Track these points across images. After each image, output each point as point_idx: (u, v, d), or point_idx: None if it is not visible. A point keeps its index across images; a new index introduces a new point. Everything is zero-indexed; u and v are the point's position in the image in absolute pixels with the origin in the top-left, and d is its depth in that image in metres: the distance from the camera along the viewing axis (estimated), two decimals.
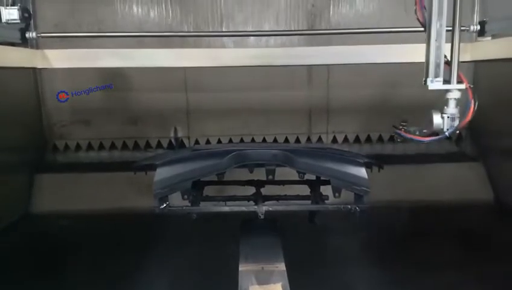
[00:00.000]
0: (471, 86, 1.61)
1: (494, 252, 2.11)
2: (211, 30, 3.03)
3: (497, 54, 2.29)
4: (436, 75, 1.57)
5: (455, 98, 1.59)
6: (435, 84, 1.58)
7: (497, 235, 2.31)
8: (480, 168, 2.97)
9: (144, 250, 2.21)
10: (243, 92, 3.08)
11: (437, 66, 1.56)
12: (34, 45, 2.76)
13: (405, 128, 1.81)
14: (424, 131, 1.73)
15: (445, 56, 1.57)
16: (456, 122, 1.61)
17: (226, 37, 3.05)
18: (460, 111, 1.62)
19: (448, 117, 1.61)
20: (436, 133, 1.67)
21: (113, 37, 2.83)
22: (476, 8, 2.92)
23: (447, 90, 1.59)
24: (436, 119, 1.62)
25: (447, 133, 1.64)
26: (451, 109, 1.61)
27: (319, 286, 1.80)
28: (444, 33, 1.56)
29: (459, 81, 1.58)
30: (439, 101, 3.29)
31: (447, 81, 1.58)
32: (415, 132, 1.76)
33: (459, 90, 1.58)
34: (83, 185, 2.88)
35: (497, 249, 2.15)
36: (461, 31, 2.56)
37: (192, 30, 3.03)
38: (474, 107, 1.60)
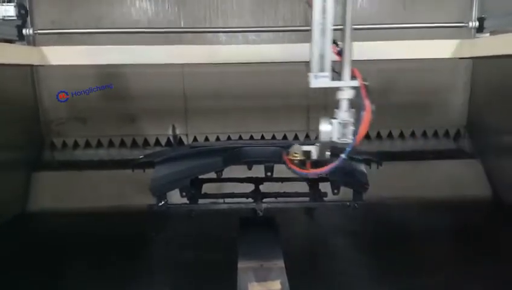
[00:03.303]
0: (367, 83, 1.31)
1: (492, 249, 2.11)
2: (208, 26, 3.02)
3: (496, 50, 2.29)
4: (322, 69, 1.28)
5: (347, 99, 1.30)
6: (320, 80, 1.28)
7: (495, 233, 2.32)
8: (478, 165, 2.97)
9: (143, 247, 2.21)
10: (241, 89, 3.07)
11: (322, 57, 1.27)
12: (31, 41, 2.74)
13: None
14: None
15: (337, 44, 1.29)
16: (349, 130, 1.29)
17: (223, 34, 3.04)
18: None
19: (339, 123, 1.30)
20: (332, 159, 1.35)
21: (110, 33, 2.81)
22: (475, 4, 2.92)
23: (338, 90, 1.31)
24: (324, 126, 1.29)
25: (343, 155, 1.29)
26: (343, 112, 1.30)
27: (317, 283, 1.81)
28: (331, 17, 1.25)
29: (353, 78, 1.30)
30: (437, 96, 3.30)
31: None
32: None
33: (353, 88, 1.30)
34: (80, 183, 2.87)
35: (495, 246, 2.16)
36: (457, 26, 2.58)
37: (189, 26, 3.02)
38: (370, 111, 1.27)
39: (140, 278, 1.89)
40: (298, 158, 1.36)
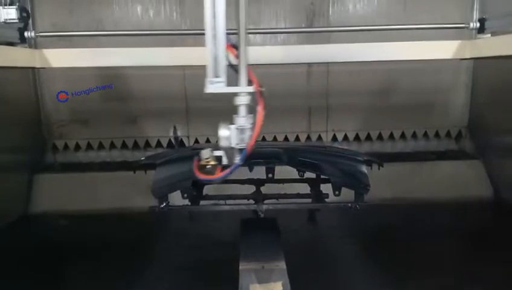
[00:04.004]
0: (263, 89, 1.31)
1: (494, 250, 2.11)
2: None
3: (497, 51, 2.28)
4: (217, 75, 1.26)
5: (245, 104, 1.30)
6: (215, 86, 1.26)
7: (496, 233, 2.31)
8: (480, 165, 2.97)
9: (144, 249, 2.21)
10: None
11: (217, 62, 1.25)
12: (33, 44, 2.75)
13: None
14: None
15: (234, 45, 1.27)
16: (247, 135, 1.28)
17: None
18: None
19: (237, 129, 1.29)
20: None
21: (111, 36, 2.82)
22: (476, 5, 2.92)
23: (236, 95, 1.29)
24: (223, 132, 1.28)
25: (238, 161, 1.29)
26: (240, 118, 1.30)
27: (319, 284, 1.80)
28: (222, 21, 1.23)
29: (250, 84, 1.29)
30: (438, 97, 3.30)
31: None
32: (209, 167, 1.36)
33: (250, 94, 1.29)
34: (82, 185, 2.87)
35: (497, 246, 2.15)
36: (458, 27, 2.58)
37: (191, 28, 3.02)
38: (262, 115, 1.28)
39: (142, 279, 1.89)
40: (211, 163, 1.33)
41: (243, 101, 1.30)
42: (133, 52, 2.50)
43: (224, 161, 1.34)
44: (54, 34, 2.78)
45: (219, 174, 1.33)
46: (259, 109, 1.29)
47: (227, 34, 1.26)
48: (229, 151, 1.32)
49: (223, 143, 1.29)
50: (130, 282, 1.86)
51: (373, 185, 1.58)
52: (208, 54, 1.25)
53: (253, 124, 1.29)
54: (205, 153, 1.34)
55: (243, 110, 1.31)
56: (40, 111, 3.07)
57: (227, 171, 1.31)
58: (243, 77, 1.28)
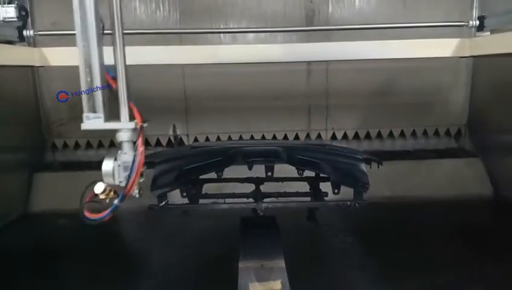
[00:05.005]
0: (145, 124, 1.23)
1: (494, 248, 2.11)
2: (208, 27, 3.02)
3: (496, 49, 2.29)
4: (93, 110, 1.18)
5: (128, 141, 1.23)
6: (93, 121, 1.19)
7: (496, 231, 2.32)
8: (479, 163, 2.97)
9: (144, 247, 2.21)
10: (241, 89, 3.07)
11: (92, 97, 1.18)
12: (32, 43, 2.75)
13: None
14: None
15: (114, 78, 1.20)
16: (130, 173, 1.21)
17: (224, 34, 3.04)
18: None
19: (119, 166, 1.22)
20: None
21: (110, 34, 2.81)
22: (475, 3, 2.92)
23: (118, 132, 1.24)
24: (106, 165, 1.22)
25: (116, 202, 1.21)
26: (124, 154, 1.23)
27: (318, 283, 1.81)
28: (97, 53, 1.16)
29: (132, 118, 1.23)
30: (438, 95, 3.30)
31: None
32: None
33: (132, 130, 1.22)
34: (82, 184, 2.86)
35: (496, 244, 2.16)
36: (458, 25, 2.57)
37: (189, 27, 3.02)
38: (143, 154, 1.19)
39: (141, 278, 1.90)
40: (111, 196, 1.25)
41: (125, 137, 1.23)
42: (132, 50, 2.50)
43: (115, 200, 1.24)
44: (53, 32, 2.78)
45: (102, 214, 1.24)
46: (139, 145, 1.21)
47: (108, 66, 1.21)
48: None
49: (106, 180, 1.21)
50: (130, 281, 1.87)
51: (372, 184, 1.58)
52: (83, 88, 1.19)
53: (133, 162, 1.21)
54: (100, 187, 1.24)
55: (126, 147, 1.23)
56: (39, 110, 3.07)
57: (107, 211, 1.23)
58: (123, 113, 1.22)
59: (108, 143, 3.17)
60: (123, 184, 1.21)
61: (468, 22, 2.63)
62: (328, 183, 1.68)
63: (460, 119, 3.22)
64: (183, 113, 3.12)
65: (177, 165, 1.66)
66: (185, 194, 1.71)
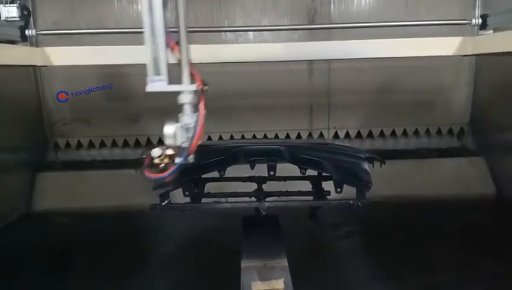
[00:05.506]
0: (206, 87, 1.28)
1: (496, 247, 2.11)
2: (210, 26, 3.02)
3: (499, 47, 2.27)
4: (157, 73, 1.24)
5: (189, 103, 1.28)
6: (156, 84, 1.25)
7: (499, 230, 2.31)
8: (482, 162, 2.96)
9: (146, 247, 2.21)
10: (243, 88, 3.07)
11: (156, 60, 1.24)
12: (34, 42, 2.75)
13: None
14: None
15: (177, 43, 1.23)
16: (192, 133, 1.27)
17: (225, 33, 3.04)
18: None
19: (181, 127, 1.27)
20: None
21: (112, 33, 2.82)
22: (478, 1, 2.91)
23: (180, 94, 1.28)
24: (168, 129, 1.25)
25: (180, 161, 1.25)
26: (185, 116, 1.28)
27: (320, 281, 1.80)
28: (160, 18, 1.21)
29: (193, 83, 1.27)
30: (440, 94, 3.28)
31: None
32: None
33: (193, 92, 1.27)
34: (84, 183, 2.88)
35: (498, 244, 2.15)
36: (460, 24, 2.56)
37: (191, 25, 3.01)
38: (203, 114, 1.26)
39: (144, 276, 1.90)
40: (165, 161, 1.28)
41: (186, 99, 1.27)
42: (134, 50, 2.50)
43: (177, 159, 1.29)
44: (55, 32, 2.79)
45: (164, 173, 1.27)
46: (201, 106, 1.26)
47: (172, 32, 1.25)
48: (176, 149, 1.29)
49: (168, 142, 1.25)
50: (132, 279, 1.87)
51: (375, 183, 1.57)
52: (147, 52, 1.24)
53: (196, 122, 1.27)
54: (156, 152, 1.28)
55: (187, 109, 1.28)
56: (41, 109, 3.07)
57: (171, 169, 1.27)
58: (185, 75, 1.26)
59: (110, 143, 3.17)
60: (185, 144, 1.26)
61: (471, 21, 2.61)
62: (331, 182, 1.68)
63: (463, 118, 3.21)
64: None
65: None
66: (187, 193, 1.71)
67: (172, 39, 1.25)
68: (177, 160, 1.27)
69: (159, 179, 1.29)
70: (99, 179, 2.90)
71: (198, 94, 1.27)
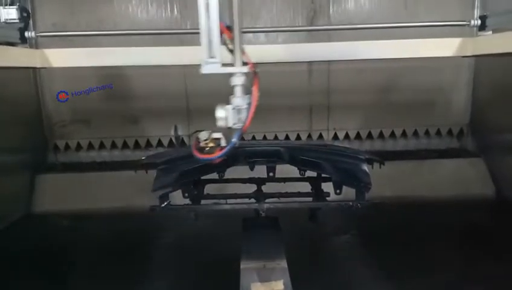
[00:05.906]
0: (257, 70, 1.30)
1: (495, 248, 2.11)
2: None
3: (498, 48, 2.27)
4: (211, 55, 1.25)
5: (241, 85, 1.29)
6: (210, 66, 1.26)
7: (498, 230, 2.31)
8: (482, 163, 2.96)
9: (146, 248, 2.21)
10: None
11: (210, 43, 1.24)
12: (33, 44, 2.75)
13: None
14: None
15: (228, 27, 1.25)
16: (244, 115, 1.29)
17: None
18: None
19: (233, 109, 1.29)
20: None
21: (112, 35, 2.82)
22: (477, 2, 2.91)
23: (231, 76, 1.30)
24: (220, 112, 1.27)
25: (234, 139, 1.29)
26: (236, 98, 1.29)
27: (320, 283, 1.80)
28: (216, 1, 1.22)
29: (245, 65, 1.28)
30: (440, 95, 3.29)
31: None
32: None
33: (245, 74, 1.28)
34: (84, 185, 2.88)
35: (498, 244, 2.15)
36: (459, 25, 2.57)
37: (191, 28, 3.02)
38: (257, 95, 1.27)
39: (144, 276, 1.90)
40: (210, 145, 1.35)
41: (238, 81, 1.29)
42: (133, 51, 2.50)
43: (223, 143, 1.35)
44: (55, 34, 2.78)
45: (217, 153, 1.32)
46: (254, 88, 1.28)
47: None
48: (227, 132, 1.33)
49: (220, 124, 1.28)
50: (131, 281, 1.87)
51: (374, 184, 1.57)
52: (202, 35, 1.24)
53: (249, 104, 1.29)
54: (204, 135, 1.34)
55: (238, 91, 1.30)
56: (41, 111, 3.08)
57: (225, 149, 1.32)
58: (237, 58, 1.27)
59: (110, 144, 3.17)
60: (237, 126, 1.29)
61: (470, 22, 2.61)
62: (330, 184, 1.68)
63: (463, 119, 3.21)
64: (185, 114, 3.13)
65: (178, 166, 1.66)
66: (186, 194, 1.71)
67: (224, 24, 1.26)
68: (223, 142, 1.33)
69: (210, 160, 1.34)
70: (98, 180, 2.90)
71: (251, 76, 1.28)
